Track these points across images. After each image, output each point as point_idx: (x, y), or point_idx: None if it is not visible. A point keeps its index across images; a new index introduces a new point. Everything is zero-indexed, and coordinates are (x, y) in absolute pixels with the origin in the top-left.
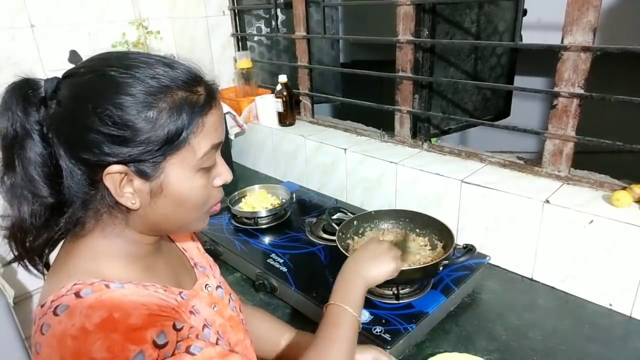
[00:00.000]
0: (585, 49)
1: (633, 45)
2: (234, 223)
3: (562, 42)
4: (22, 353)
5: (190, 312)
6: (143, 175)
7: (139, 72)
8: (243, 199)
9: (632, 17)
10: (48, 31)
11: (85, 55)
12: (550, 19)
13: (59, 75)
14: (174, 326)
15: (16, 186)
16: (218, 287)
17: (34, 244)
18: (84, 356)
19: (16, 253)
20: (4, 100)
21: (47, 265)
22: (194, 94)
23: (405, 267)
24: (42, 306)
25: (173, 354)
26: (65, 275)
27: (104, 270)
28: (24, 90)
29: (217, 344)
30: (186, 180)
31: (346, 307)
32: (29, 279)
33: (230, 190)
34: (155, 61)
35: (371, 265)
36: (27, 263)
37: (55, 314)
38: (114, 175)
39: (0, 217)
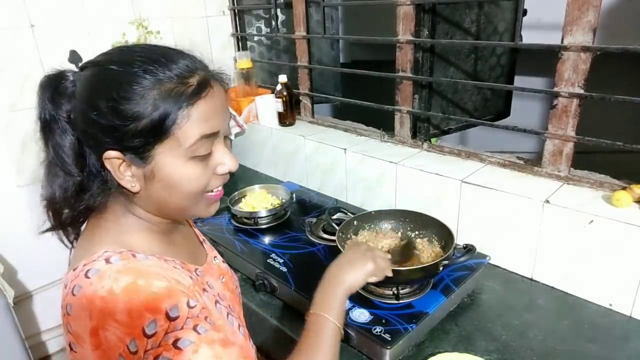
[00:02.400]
0: (585, 49)
1: (633, 45)
2: (234, 223)
3: (562, 42)
4: (22, 353)
5: (204, 289)
6: (135, 162)
7: (134, 67)
8: (243, 199)
9: (632, 17)
10: (48, 31)
11: (85, 55)
12: (550, 19)
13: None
14: (187, 303)
15: (51, 164)
16: (223, 261)
17: (64, 216)
18: (109, 317)
19: (53, 224)
20: (38, 90)
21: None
22: (184, 85)
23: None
24: (74, 270)
25: (181, 328)
26: (95, 244)
27: (130, 242)
28: (56, 81)
29: (227, 317)
30: (177, 167)
31: (326, 316)
32: (29, 279)
33: (230, 190)
34: (158, 56)
35: (348, 269)
36: (60, 234)
37: (86, 276)
38: (112, 160)
39: (42, 188)
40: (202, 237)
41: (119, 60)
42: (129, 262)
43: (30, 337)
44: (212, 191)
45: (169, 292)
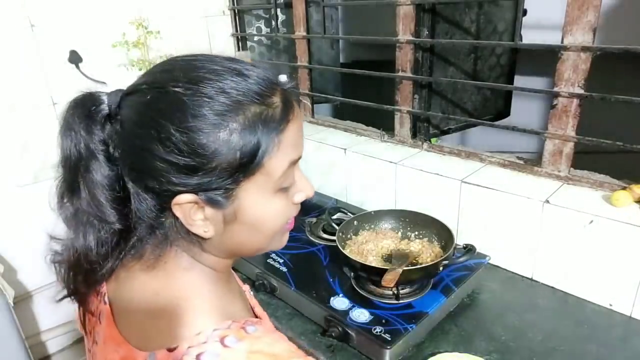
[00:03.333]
0: (585, 49)
1: (633, 45)
2: None
3: (562, 42)
4: (22, 353)
5: None
6: (214, 204)
7: (207, 87)
8: None
9: (632, 17)
10: (48, 31)
11: (85, 55)
12: (550, 19)
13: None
14: None
15: (81, 212)
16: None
17: (97, 275)
18: None
19: (72, 287)
20: (66, 119)
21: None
22: (269, 106)
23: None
24: (169, 350)
25: None
26: (191, 318)
27: (220, 305)
28: (87, 107)
29: None
30: (263, 204)
31: None
32: (29, 279)
33: None
34: (225, 69)
35: None
36: (83, 299)
37: None
38: (183, 206)
39: (59, 249)
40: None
41: (184, 78)
42: (248, 342)
43: (30, 337)
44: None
45: None
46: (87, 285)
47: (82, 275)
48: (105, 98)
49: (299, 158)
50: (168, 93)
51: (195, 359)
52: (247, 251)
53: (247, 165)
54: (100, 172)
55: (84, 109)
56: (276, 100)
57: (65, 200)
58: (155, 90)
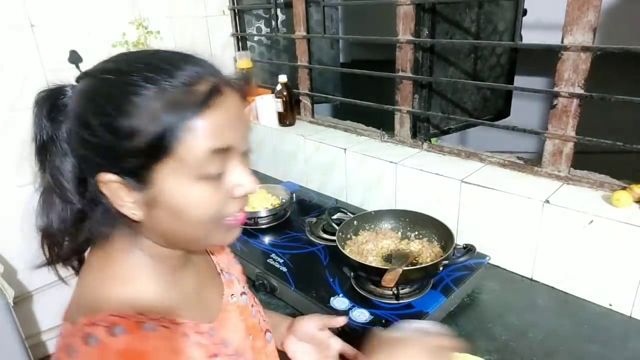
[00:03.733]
0: (585, 49)
1: (633, 45)
2: None
3: (562, 42)
4: (22, 353)
5: (215, 354)
6: (133, 186)
7: (135, 75)
8: None
9: (632, 17)
10: (48, 31)
11: (85, 55)
12: (550, 19)
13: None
14: None
15: (47, 191)
16: (242, 293)
17: (62, 250)
18: None
19: (47, 257)
20: (34, 108)
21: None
22: (189, 93)
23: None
24: (73, 324)
25: None
26: (100, 295)
27: (138, 295)
28: (53, 97)
29: None
30: (182, 191)
31: None
32: (29, 279)
33: None
34: (161, 61)
35: None
36: (57, 269)
37: (85, 342)
38: (108, 185)
39: (36, 218)
40: (220, 267)
41: (117, 68)
42: (133, 339)
43: (30, 337)
44: (229, 217)
45: None
46: (57, 257)
47: (48, 248)
48: (70, 90)
49: (228, 148)
50: (98, 80)
51: (82, 337)
52: (180, 240)
53: (156, 148)
54: (62, 157)
55: (50, 100)
56: (200, 88)
57: (39, 182)
58: (88, 77)
